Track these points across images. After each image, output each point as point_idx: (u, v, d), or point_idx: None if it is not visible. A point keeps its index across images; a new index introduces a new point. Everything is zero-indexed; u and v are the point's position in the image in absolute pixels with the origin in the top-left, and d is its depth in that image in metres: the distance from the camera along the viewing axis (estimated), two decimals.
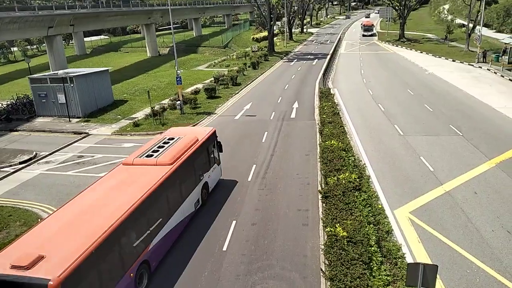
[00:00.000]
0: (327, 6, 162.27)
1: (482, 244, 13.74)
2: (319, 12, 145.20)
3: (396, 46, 69.05)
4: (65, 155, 24.64)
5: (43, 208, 17.87)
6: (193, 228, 15.46)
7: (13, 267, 9.30)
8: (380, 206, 15.86)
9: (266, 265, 12.99)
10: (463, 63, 49.62)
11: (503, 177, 18.45)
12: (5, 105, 33.63)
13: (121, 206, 11.75)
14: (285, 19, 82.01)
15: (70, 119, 31.39)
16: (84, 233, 10.51)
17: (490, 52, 49.73)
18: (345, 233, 11.92)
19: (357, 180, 15.70)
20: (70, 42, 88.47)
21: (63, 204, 12.75)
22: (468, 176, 18.76)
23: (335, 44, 72.41)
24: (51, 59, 51.74)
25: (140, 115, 31.92)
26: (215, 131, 18.99)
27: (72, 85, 31.11)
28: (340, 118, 25.26)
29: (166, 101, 34.75)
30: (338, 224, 12.47)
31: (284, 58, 62.39)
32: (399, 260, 12.51)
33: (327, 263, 11.38)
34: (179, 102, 32.00)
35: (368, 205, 14.72)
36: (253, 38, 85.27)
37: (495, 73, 42.42)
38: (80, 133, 28.43)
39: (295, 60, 59.92)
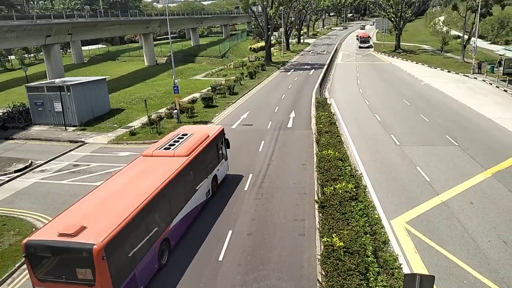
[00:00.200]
0: (323, 17, 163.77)
1: (478, 254, 13.72)
2: (316, 23, 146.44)
3: (392, 57, 69.61)
4: (61, 163, 24.52)
5: (37, 217, 17.71)
6: (189, 237, 15.36)
7: (61, 235, 10.85)
8: (376, 216, 15.82)
9: (262, 276, 12.89)
10: (458, 74, 50.03)
11: (499, 187, 18.50)
12: (1, 113, 33.54)
13: (146, 189, 13.34)
14: (282, 29, 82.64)
15: (66, 127, 31.31)
16: (117, 210, 12.13)
17: (485, 63, 50.19)
18: (341, 243, 11.86)
19: (354, 190, 15.68)
20: (68, 51, 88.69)
21: (91, 189, 14.12)
22: (464, 186, 18.79)
23: (331, 55, 72.92)
24: (48, 67, 51.82)
25: (136, 123, 31.89)
26: (223, 129, 20.57)
27: (69, 93, 31.10)
28: (337, 128, 25.31)
29: (163, 110, 34.75)
30: (335, 234, 12.41)
31: (281, 68, 62.72)
32: (396, 270, 12.46)
33: (323, 273, 11.30)
34: (176, 111, 32.02)
35: (365, 215, 14.68)
36: (250, 48, 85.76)
37: (490, 84, 42.77)
38: (76, 142, 28.33)
39: (292, 70, 60.24)
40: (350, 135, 27.14)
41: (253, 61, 65.55)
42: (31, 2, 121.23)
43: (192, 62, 73.53)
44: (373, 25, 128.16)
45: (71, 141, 28.51)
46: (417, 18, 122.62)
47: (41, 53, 68.71)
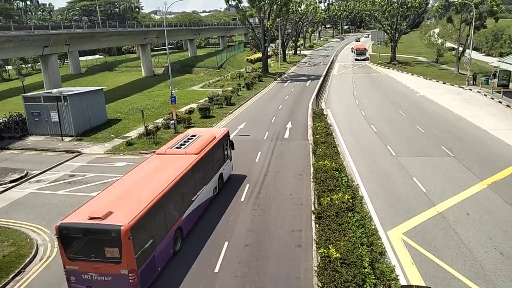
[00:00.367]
0: (320, 29, 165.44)
1: (475, 265, 13.71)
2: (312, 34, 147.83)
3: (388, 68, 70.20)
4: (57, 174, 24.41)
5: (33, 228, 17.58)
6: (185, 248, 15.27)
7: (91, 218, 12.13)
8: (373, 227, 15.79)
9: None
10: (453, 85, 50.46)
11: (495, 198, 18.56)
12: None
13: (163, 182, 14.77)
14: (279, 41, 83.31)
15: (63, 137, 31.24)
16: (138, 198, 13.49)
17: (480, 75, 50.71)
18: (338, 255, 11.82)
19: (350, 200, 15.67)
20: (65, 61, 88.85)
21: (110, 184, 15.50)
22: (460, 197, 18.84)
23: (328, 66, 73.46)
24: (45, 78, 51.79)
25: (133, 134, 31.88)
26: (228, 131, 22.20)
27: (66, 103, 31.10)
28: (333, 138, 25.38)
29: (160, 120, 34.80)
30: (332, 246, 12.38)
31: (278, 79, 63.05)
32: (393, 282, 12.39)
33: (320, 285, 11.24)
34: (173, 121, 32.06)
35: (362, 226, 14.65)
36: (247, 59, 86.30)
37: (485, 95, 43.16)
38: (72, 152, 28.25)
39: (289, 81, 60.58)
40: (346, 146, 27.23)
41: (250, 72, 65.90)
42: (29, 13, 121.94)
43: (190, 73, 73.77)
44: (368, 37, 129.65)
45: (67, 151, 28.43)
46: (412, 30, 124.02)
47: (39, 63, 68.78)
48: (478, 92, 45.15)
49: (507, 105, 37.62)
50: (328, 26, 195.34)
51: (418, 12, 73.89)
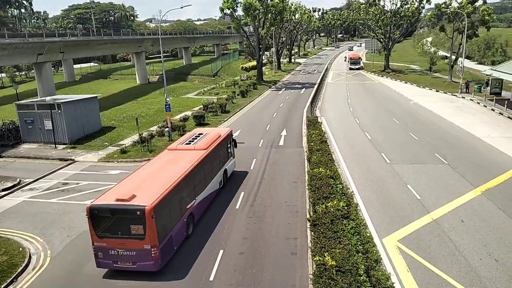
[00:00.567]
0: (314, 37, 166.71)
1: (470, 272, 13.72)
2: (307, 43, 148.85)
3: (382, 76, 70.73)
4: (50, 182, 24.20)
5: (25, 237, 17.36)
6: (180, 256, 15.14)
7: (118, 200, 13.79)
8: (368, 235, 15.78)
9: None
10: (446, 93, 50.93)
11: (489, 205, 18.64)
12: None
13: (177, 172, 16.50)
14: (273, 49, 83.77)
15: (56, 145, 31.04)
16: (157, 185, 15.13)
17: (472, 83, 51.23)
18: (333, 262, 11.79)
19: (345, 208, 15.68)
20: (60, 69, 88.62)
21: (128, 174, 17.22)
22: (454, 204, 18.91)
23: (322, 74, 73.89)
24: (39, 85, 51.61)
25: (127, 141, 31.75)
26: (231, 131, 24.02)
27: (59, 111, 30.94)
28: (328, 146, 25.46)
29: (154, 128, 34.71)
30: (327, 253, 12.34)
31: (273, 87, 63.29)
32: None
33: None
34: (167, 129, 31.99)
35: (357, 234, 14.63)
36: (242, 67, 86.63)
37: (478, 103, 43.57)
38: (66, 160, 28.05)
39: (283, 89, 60.81)
40: (341, 153, 27.29)
41: (245, 80, 66.13)
42: (24, 21, 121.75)
43: (184, 80, 73.86)
44: (360, 46, 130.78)
45: (60, 159, 28.23)
46: (406, 39, 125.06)
47: (32, 71, 68.54)
48: (471, 100, 45.58)
49: (499, 113, 37.99)
50: (322, 34, 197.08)
51: (411, 21, 74.76)
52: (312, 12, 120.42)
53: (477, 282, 13.20)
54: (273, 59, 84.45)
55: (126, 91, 65.07)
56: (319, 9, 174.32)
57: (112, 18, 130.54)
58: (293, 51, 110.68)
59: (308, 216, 16.87)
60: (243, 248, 15.58)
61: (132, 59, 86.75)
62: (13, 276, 14.40)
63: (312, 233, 14.48)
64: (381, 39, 77.76)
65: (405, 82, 62.27)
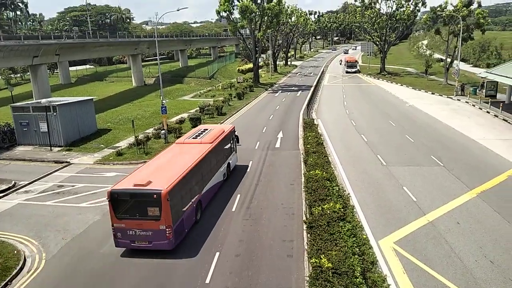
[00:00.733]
0: (310, 40, 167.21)
1: (466, 274, 13.75)
2: (303, 45, 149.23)
3: (377, 79, 70.99)
4: (45, 184, 24.07)
5: (20, 240, 17.24)
6: (175, 259, 15.08)
7: (136, 185, 15.32)
8: (364, 237, 15.80)
9: None
10: (442, 95, 51.17)
11: (484, 207, 18.71)
12: None
13: (187, 161, 18.02)
14: (270, 52, 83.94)
15: (52, 148, 30.89)
16: (169, 173, 16.58)
17: (468, 86, 51.51)
18: (330, 264, 11.78)
19: (342, 210, 15.69)
20: (55, 71, 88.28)
21: (140, 166, 19.31)
22: (450, 206, 18.97)
23: (318, 77, 74.08)
24: (34, 87, 51.36)
25: (123, 144, 31.65)
26: (234, 127, 25.55)
27: (55, 113, 30.82)
28: (324, 148, 25.48)
29: (150, 130, 34.62)
30: (323, 255, 12.33)
31: (269, 89, 63.36)
32: None
33: None
34: (163, 131, 31.92)
35: (353, 236, 14.65)
36: (238, 69, 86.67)
37: (473, 105, 43.80)
38: (61, 162, 27.91)
39: (280, 91, 60.89)
40: (337, 155, 27.33)
41: (241, 82, 66.16)
42: (19, 23, 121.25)
43: (181, 83, 73.78)
44: (356, 49, 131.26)
45: (56, 162, 28.08)
46: (401, 41, 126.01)
47: (28, 73, 68.22)
48: (466, 102, 45.82)
49: (494, 115, 38.20)
50: (319, 37, 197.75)
51: (406, 24, 75.14)
52: (308, 15, 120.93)
53: (473, 284, 13.23)
54: (270, 62, 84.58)
55: (122, 93, 64.90)
56: (315, 12, 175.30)
57: (108, 20, 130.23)
58: (289, 54, 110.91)
59: (304, 218, 16.84)
60: (239, 250, 15.55)
61: (128, 61, 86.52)
62: (7, 279, 14.28)
63: (309, 235, 14.47)
64: (377, 42, 78.08)
65: (401, 85, 62.50)
